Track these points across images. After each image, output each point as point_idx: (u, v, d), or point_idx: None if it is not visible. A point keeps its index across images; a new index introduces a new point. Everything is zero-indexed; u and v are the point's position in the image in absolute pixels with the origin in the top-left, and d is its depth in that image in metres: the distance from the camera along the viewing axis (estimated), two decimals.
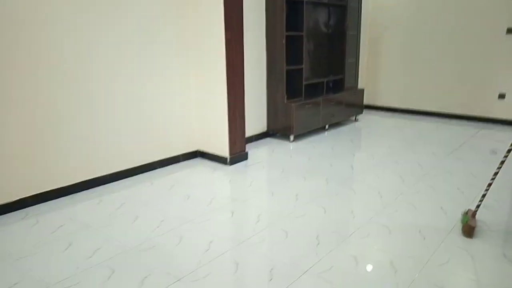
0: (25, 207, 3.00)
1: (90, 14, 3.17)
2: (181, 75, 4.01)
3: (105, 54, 3.33)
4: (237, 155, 4.13)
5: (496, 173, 2.59)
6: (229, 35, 3.80)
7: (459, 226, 2.67)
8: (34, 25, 2.87)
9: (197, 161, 4.22)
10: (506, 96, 5.75)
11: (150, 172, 3.85)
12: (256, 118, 4.95)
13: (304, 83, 5.09)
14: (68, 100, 3.14)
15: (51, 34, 2.97)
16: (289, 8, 4.73)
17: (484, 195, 2.65)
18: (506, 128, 5.65)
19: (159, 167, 3.94)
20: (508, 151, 2.50)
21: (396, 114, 6.66)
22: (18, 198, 2.96)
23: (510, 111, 5.74)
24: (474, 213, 2.68)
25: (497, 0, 5.56)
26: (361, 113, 6.23)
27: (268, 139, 5.10)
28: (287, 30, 4.70)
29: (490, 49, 5.74)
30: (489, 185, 2.62)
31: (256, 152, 4.54)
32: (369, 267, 2.25)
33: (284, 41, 4.71)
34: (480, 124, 5.85)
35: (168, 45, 3.82)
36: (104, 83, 3.37)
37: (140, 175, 3.76)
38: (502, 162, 2.55)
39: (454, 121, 6.09)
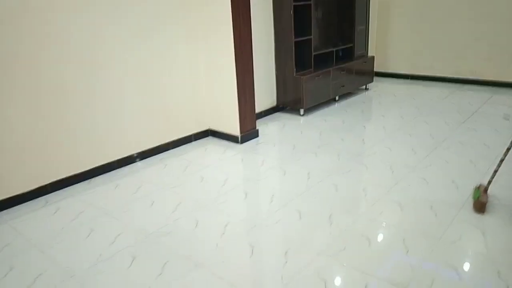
0: (45, 195, 3.09)
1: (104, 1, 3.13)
2: (190, 54, 3.96)
3: (117, 40, 3.31)
4: (248, 132, 4.14)
5: (508, 149, 2.57)
6: (235, 10, 3.71)
7: (470, 201, 2.69)
8: (43, 11, 2.84)
9: (209, 140, 4.26)
10: None
11: (163, 153, 3.90)
12: (265, 93, 4.92)
13: (313, 53, 5.00)
14: (80, 86, 3.16)
15: (60, 19, 2.94)
16: None
17: (496, 171, 2.64)
18: None
19: (172, 148, 3.99)
20: None
21: (407, 81, 6.55)
22: (37, 186, 3.05)
23: None
24: (486, 189, 2.69)
25: None
26: (372, 81, 6.13)
27: (278, 114, 5.08)
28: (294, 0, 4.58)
29: (502, 11, 5.51)
30: (501, 161, 2.61)
31: (266, 128, 4.55)
32: (382, 247, 2.30)
33: (292, 12, 4.59)
34: (494, 89, 5.73)
35: (176, 25, 3.76)
36: (115, 68, 3.36)
37: (154, 157, 3.82)
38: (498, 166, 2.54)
39: (466, 86, 5.97)
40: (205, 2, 3.86)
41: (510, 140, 2.56)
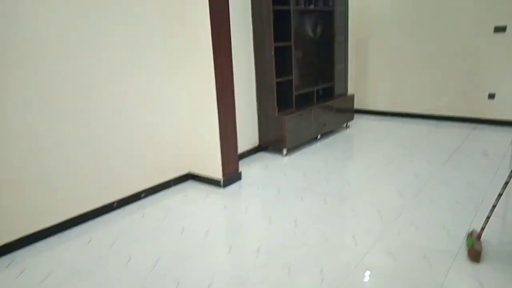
0: (9, 253, 2.83)
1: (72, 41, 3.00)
2: (170, 95, 3.85)
3: (93, 79, 3.17)
4: (231, 175, 4.00)
5: (500, 194, 2.52)
6: (217, 51, 3.66)
7: (464, 248, 2.60)
8: (16, 45, 2.69)
9: (189, 184, 4.08)
10: (495, 96, 5.74)
11: (142, 200, 3.70)
12: (247, 133, 4.83)
13: (294, 93, 4.98)
14: (52, 130, 2.97)
15: (28, 62, 2.79)
16: (276, 18, 4.60)
17: (488, 217, 2.58)
18: (497, 128, 5.64)
19: (151, 194, 3.79)
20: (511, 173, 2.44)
21: (387, 118, 6.61)
22: (1, 244, 2.79)
23: (500, 111, 5.73)
24: (479, 235, 2.61)
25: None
26: (352, 119, 6.15)
27: (260, 154, 4.98)
28: (275, 41, 4.58)
29: (478, 49, 5.71)
30: (494, 207, 2.55)
31: (249, 170, 4.42)
32: None
33: (272, 53, 4.59)
34: (471, 125, 5.83)
35: (157, 65, 3.67)
36: (90, 110, 3.20)
37: (132, 205, 3.61)
38: (506, 183, 2.49)
39: (444, 123, 6.07)
40: (186, 49, 3.81)
41: (502, 186, 2.52)
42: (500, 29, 5.53)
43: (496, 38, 5.56)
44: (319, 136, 5.48)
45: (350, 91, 6.37)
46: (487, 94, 5.80)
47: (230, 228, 3.17)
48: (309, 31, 5.58)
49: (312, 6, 5.32)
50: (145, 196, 3.75)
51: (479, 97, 5.87)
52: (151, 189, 3.80)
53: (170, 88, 3.85)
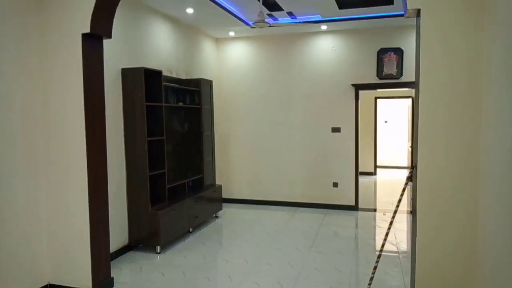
0: None
1: None
2: (27, 188, 3.35)
3: None
4: (101, 284, 3.54)
5: (375, 267, 2.89)
6: (91, 147, 3.43)
7: None
8: None
9: None
10: (338, 185, 6.73)
11: None
12: (116, 231, 4.44)
13: (167, 186, 4.90)
14: None
15: None
16: (147, 113, 4.63)
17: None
18: (343, 212, 6.52)
19: None
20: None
21: (252, 206, 6.98)
22: None
23: (343, 197, 6.70)
24: None
25: (325, 103, 6.68)
26: (221, 209, 6.30)
27: (131, 253, 4.59)
28: (147, 135, 4.56)
29: (321, 144, 6.74)
30: (371, 279, 2.89)
31: (121, 274, 4.00)
32: None
33: (146, 147, 4.52)
34: (323, 210, 6.61)
35: (13, 155, 3.19)
36: None
37: None
38: (375, 268, 2.88)
39: (301, 209, 6.73)
40: (60, 135, 3.47)
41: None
42: (336, 130, 6.70)
43: (334, 136, 6.69)
44: (191, 229, 5.39)
45: (217, 181, 6.60)
46: (332, 182, 6.76)
47: None
48: (179, 126, 5.74)
49: (181, 104, 5.57)
50: None
51: (325, 186, 6.78)
52: None
53: (27, 181, 3.36)
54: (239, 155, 7.21)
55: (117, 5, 3.48)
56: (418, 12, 2.74)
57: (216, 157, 7.03)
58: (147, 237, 4.60)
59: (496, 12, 2.34)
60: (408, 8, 2.72)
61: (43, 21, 3.42)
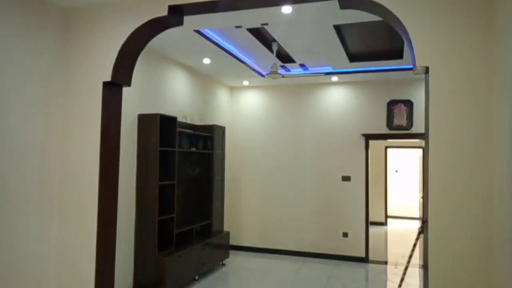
0: None
1: None
2: (40, 228, 3.36)
3: None
4: None
5: None
6: (103, 188, 3.47)
7: None
8: None
9: None
10: (348, 235, 6.60)
11: None
12: (121, 273, 4.37)
13: (175, 231, 4.88)
14: None
15: None
16: (161, 157, 4.71)
17: None
18: (352, 264, 6.34)
19: None
20: None
21: (259, 254, 6.85)
22: None
23: (353, 249, 6.54)
24: None
25: (335, 151, 6.72)
26: (228, 257, 6.19)
27: None
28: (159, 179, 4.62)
29: (332, 192, 6.70)
30: None
31: None
32: None
33: (157, 191, 4.56)
34: (332, 261, 6.43)
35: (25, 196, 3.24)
36: None
37: None
38: None
39: (310, 259, 6.56)
40: (70, 187, 3.54)
41: None
42: (346, 178, 6.69)
43: (344, 185, 6.66)
44: (197, 277, 5.28)
45: (226, 227, 6.54)
46: (342, 232, 6.64)
47: None
48: (190, 170, 5.81)
49: (194, 149, 5.67)
50: None
51: (335, 235, 6.65)
52: None
53: (39, 219, 3.39)
54: (248, 201, 7.19)
55: (137, 56, 3.66)
56: (426, 69, 2.84)
57: (226, 201, 7.01)
58: (152, 283, 4.52)
59: (504, 73, 2.41)
60: (417, 65, 2.82)
61: (68, 66, 3.59)
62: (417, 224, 9.69)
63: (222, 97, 7.05)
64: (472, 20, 2.70)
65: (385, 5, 2.81)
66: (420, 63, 2.81)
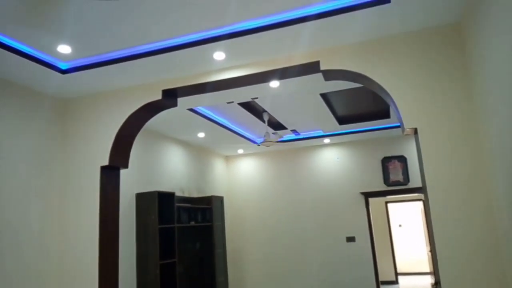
0: None
1: None
2: None
3: None
4: None
5: None
6: (103, 277, 3.36)
7: None
8: None
9: None
10: None
11: None
12: None
13: None
14: None
15: None
16: (160, 234, 4.62)
17: None
18: None
19: None
20: None
21: None
22: None
23: None
24: None
25: (336, 212, 6.64)
26: None
27: None
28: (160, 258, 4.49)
29: (337, 254, 6.52)
30: None
31: None
32: None
33: (158, 271, 4.42)
34: None
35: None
36: None
37: None
38: None
39: None
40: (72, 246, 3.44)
41: None
42: (351, 239, 6.56)
43: (349, 246, 6.51)
44: None
45: None
46: None
47: None
48: (191, 245, 5.68)
49: (193, 222, 5.60)
50: None
51: None
52: None
53: None
54: (251, 271, 6.94)
55: (134, 139, 3.75)
56: (415, 130, 2.92)
57: (229, 273, 6.77)
58: None
59: (490, 124, 2.51)
60: (406, 127, 2.91)
61: (66, 148, 3.66)
62: (429, 279, 9.34)
63: (218, 167, 7.11)
64: (450, 77, 2.82)
65: (369, 76, 2.97)
66: (408, 125, 2.90)
